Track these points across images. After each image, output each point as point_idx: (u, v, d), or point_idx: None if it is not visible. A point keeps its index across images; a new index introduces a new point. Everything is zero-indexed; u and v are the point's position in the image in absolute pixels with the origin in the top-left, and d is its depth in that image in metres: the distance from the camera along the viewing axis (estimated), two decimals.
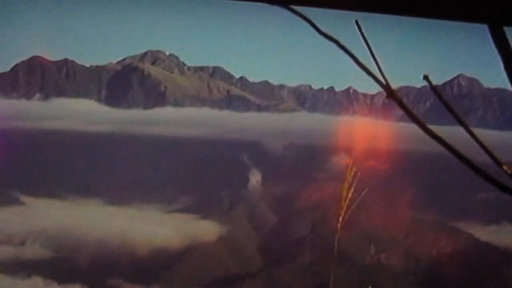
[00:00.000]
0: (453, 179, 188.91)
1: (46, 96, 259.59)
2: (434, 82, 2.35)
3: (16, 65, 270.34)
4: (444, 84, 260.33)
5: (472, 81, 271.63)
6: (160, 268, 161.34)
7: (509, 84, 2.19)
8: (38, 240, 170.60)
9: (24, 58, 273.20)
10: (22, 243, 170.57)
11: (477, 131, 2.23)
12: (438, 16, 2.37)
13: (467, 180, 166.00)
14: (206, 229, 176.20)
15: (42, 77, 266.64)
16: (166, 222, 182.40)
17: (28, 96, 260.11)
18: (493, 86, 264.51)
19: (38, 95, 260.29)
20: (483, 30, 2.14)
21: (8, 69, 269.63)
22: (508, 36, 2.16)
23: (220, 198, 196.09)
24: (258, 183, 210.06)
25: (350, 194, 3.33)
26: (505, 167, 2.26)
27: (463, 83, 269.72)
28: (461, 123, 2.25)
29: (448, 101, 2.33)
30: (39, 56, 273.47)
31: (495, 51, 2.14)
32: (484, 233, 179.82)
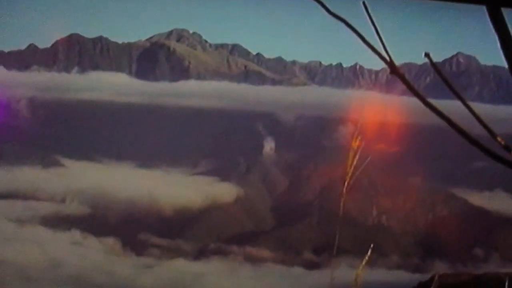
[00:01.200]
0: (450, 149, 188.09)
1: (83, 70, 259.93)
2: (434, 60, 2.32)
3: (56, 41, 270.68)
4: (444, 61, 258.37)
5: (470, 59, 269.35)
6: (184, 225, 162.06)
7: (505, 62, 2.15)
8: (76, 198, 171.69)
9: (64, 35, 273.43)
10: (63, 200, 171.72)
11: (474, 105, 2.23)
12: None
13: (463, 150, 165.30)
14: (225, 191, 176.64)
15: (79, 52, 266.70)
16: (189, 184, 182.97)
17: (67, 69, 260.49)
18: (489, 64, 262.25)
19: (76, 68, 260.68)
20: (481, 11, 2.12)
21: (49, 45, 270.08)
22: (505, 16, 2.13)
23: (237, 163, 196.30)
24: (271, 150, 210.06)
25: (355, 161, 3.24)
26: (499, 139, 2.23)
27: (461, 61, 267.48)
28: (459, 98, 2.23)
29: (447, 77, 2.29)
30: (77, 34, 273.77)
31: (493, 30, 2.11)
32: (478, 199, 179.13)
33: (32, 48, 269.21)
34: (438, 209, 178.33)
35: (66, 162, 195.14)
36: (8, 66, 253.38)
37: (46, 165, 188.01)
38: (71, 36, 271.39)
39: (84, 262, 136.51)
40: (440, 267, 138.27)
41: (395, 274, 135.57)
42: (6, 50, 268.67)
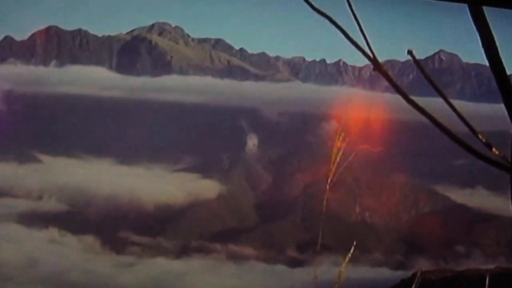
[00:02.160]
0: (432, 146, 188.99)
1: (61, 63, 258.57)
2: (417, 57, 2.35)
3: (34, 33, 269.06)
4: (426, 58, 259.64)
5: (452, 57, 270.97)
6: (165, 222, 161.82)
7: (486, 60, 2.18)
8: (54, 195, 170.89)
9: (41, 27, 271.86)
10: (40, 197, 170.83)
11: (456, 103, 2.24)
12: None
13: (445, 147, 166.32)
14: (207, 187, 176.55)
15: (58, 45, 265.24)
16: (171, 181, 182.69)
17: (45, 63, 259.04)
18: (471, 61, 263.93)
19: (54, 62, 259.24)
20: (464, 9, 2.15)
21: (26, 37, 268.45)
22: (486, 15, 2.15)
23: (220, 159, 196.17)
24: (255, 147, 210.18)
25: (338, 158, 3.31)
26: (480, 136, 2.26)
27: (443, 58, 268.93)
28: (441, 95, 2.24)
29: (429, 74, 2.30)
30: (55, 26, 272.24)
31: (475, 29, 2.14)
32: (460, 196, 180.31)
33: (8, 40, 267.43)
34: (420, 206, 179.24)
35: (44, 157, 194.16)
36: None
37: (23, 161, 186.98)
38: (49, 28, 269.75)
39: (62, 260, 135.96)
40: (423, 264, 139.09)
41: (378, 271, 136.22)
42: None
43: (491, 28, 2.15)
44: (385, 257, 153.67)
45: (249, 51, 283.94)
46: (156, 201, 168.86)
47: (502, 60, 2.15)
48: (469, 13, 2.15)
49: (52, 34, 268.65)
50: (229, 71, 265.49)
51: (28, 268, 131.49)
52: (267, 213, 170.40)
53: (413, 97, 2.25)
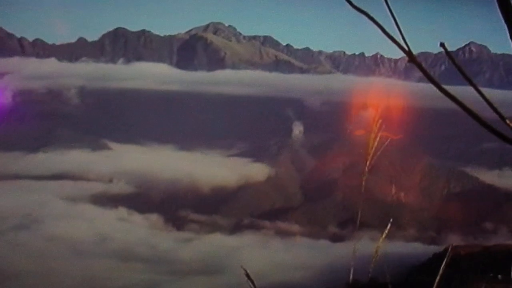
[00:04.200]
0: (463, 132, 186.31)
1: (128, 61, 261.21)
2: (448, 49, 2.31)
3: (104, 35, 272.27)
4: (458, 50, 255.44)
5: (481, 48, 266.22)
6: (220, 201, 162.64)
7: None
8: (123, 179, 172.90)
9: (110, 29, 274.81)
10: (110, 180, 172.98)
11: (485, 90, 2.21)
12: None
13: (475, 132, 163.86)
14: (257, 171, 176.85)
15: (124, 45, 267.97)
16: (225, 165, 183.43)
17: (113, 60, 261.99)
18: (499, 52, 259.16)
19: (121, 59, 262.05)
20: (493, 3, 2.12)
21: (97, 38, 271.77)
22: None
23: (269, 145, 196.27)
24: (300, 133, 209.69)
25: (375, 143, 3.22)
26: (508, 122, 2.25)
27: (473, 49, 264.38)
28: (471, 83, 2.23)
29: (460, 65, 2.27)
30: (122, 27, 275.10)
31: (503, 21, 2.12)
32: (488, 177, 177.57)
33: (81, 41, 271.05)
34: (451, 186, 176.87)
35: (113, 145, 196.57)
36: (59, 58, 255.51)
37: (95, 148, 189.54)
38: (117, 30, 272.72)
39: (129, 236, 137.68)
40: (454, 239, 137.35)
41: (412, 246, 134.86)
42: (58, 43, 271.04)
43: None
44: (418, 233, 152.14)
45: (295, 46, 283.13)
46: (212, 183, 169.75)
47: None
48: (497, 6, 2.12)
49: (119, 35, 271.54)
50: (277, 65, 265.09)
51: (100, 243, 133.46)
52: (311, 193, 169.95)
53: (445, 86, 2.23)
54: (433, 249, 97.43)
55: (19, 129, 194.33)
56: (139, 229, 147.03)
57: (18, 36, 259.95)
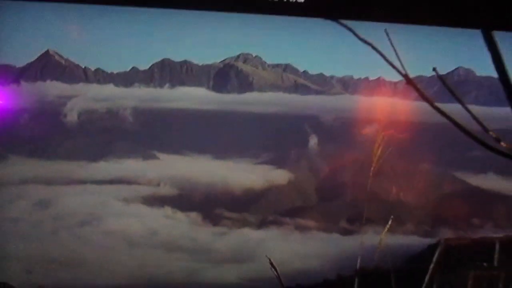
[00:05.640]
0: (453, 142, 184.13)
1: (172, 86, 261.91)
2: (440, 72, 2.42)
3: (152, 64, 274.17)
4: (447, 73, 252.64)
5: (468, 71, 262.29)
6: (249, 202, 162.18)
7: (495, 74, 2.24)
8: (168, 183, 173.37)
9: (158, 59, 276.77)
10: (158, 184, 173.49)
11: (471, 107, 2.31)
12: (443, 23, 2.54)
13: (463, 142, 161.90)
14: (280, 176, 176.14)
15: (170, 72, 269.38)
16: (253, 171, 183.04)
17: (161, 85, 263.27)
18: (484, 74, 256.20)
19: (167, 84, 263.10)
20: (478, 34, 2.25)
21: (147, 67, 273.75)
22: (496, 37, 2.22)
23: (289, 154, 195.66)
24: (315, 144, 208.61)
25: (379, 152, 3.25)
26: (491, 133, 2.34)
27: (461, 73, 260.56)
28: (460, 101, 2.33)
29: (450, 86, 2.39)
30: (168, 58, 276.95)
31: (486, 49, 2.21)
32: (475, 180, 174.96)
33: (134, 70, 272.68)
34: (443, 188, 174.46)
35: (161, 155, 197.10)
36: (116, 84, 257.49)
37: (146, 158, 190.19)
38: (163, 60, 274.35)
39: (174, 231, 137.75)
40: (446, 233, 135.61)
41: (410, 238, 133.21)
42: (115, 71, 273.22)
43: (499, 47, 2.22)
44: (415, 228, 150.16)
45: (310, 72, 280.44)
46: (242, 186, 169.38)
47: (508, 72, 2.24)
48: (482, 37, 2.23)
49: (165, 65, 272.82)
50: (296, 88, 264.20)
51: (150, 236, 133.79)
52: (325, 194, 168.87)
53: (437, 104, 2.34)
54: (428, 241, 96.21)
55: (84, 142, 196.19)
56: (182, 225, 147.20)
57: (83, 66, 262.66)
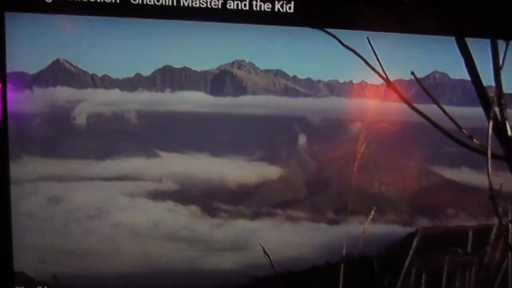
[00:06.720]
0: (429, 139, 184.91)
1: (173, 90, 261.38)
2: (417, 76, 2.39)
3: (155, 70, 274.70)
4: (424, 77, 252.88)
5: (443, 75, 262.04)
6: (244, 195, 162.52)
7: (468, 76, 2.23)
8: (170, 179, 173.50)
9: (160, 66, 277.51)
10: (160, 180, 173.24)
11: (446, 108, 2.30)
12: (421, 31, 2.56)
13: (438, 139, 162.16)
14: (272, 172, 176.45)
15: (170, 78, 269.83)
16: (247, 168, 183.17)
17: (162, 90, 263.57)
18: (458, 77, 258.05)
19: (168, 89, 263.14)
20: (452, 40, 2.24)
21: (150, 73, 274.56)
22: (468, 43, 2.23)
23: (280, 152, 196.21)
24: (304, 143, 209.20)
25: (362, 149, 3.22)
26: (464, 131, 2.30)
27: (437, 76, 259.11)
28: (436, 102, 2.29)
29: (427, 88, 2.36)
30: (168, 65, 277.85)
31: (459, 54, 2.21)
32: (450, 174, 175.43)
33: (138, 76, 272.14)
34: (421, 181, 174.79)
35: (162, 154, 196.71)
36: (121, 89, 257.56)
37: (148, 156, 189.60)
38: (165, 67, 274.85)
39: (175, 223, 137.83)
40: (423, 222, 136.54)
41: (391, 227, 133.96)
42: (120, 77, 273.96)
43: (471, 52, 2.21)
44: (396, 218, 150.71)
45: (299, 77, 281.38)
46: (238, 182, 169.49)
47: (480, 75, 2.21)
48: (455, 43, 2.22)
49: (166, 71, 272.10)
50: (286, 92, 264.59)
51: (153, 228, 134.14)
52: (313, 188, 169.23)
53: (415, 105, 2.31)
54: (407, 229, 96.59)
55: (92, 142, 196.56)
56: (183, 217, 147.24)
57: (91, 73, 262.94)
